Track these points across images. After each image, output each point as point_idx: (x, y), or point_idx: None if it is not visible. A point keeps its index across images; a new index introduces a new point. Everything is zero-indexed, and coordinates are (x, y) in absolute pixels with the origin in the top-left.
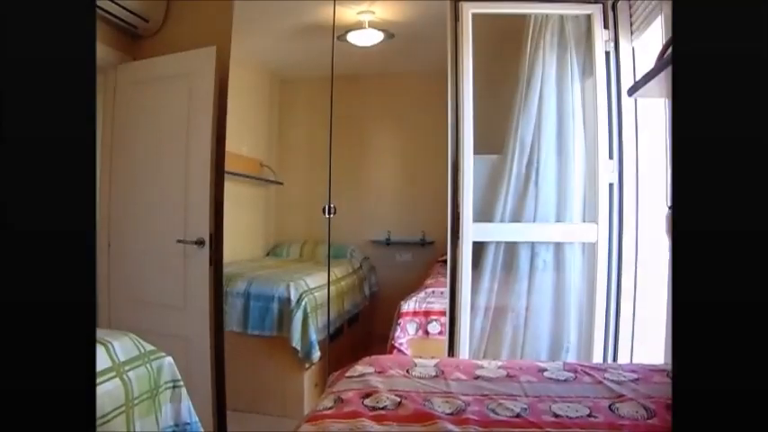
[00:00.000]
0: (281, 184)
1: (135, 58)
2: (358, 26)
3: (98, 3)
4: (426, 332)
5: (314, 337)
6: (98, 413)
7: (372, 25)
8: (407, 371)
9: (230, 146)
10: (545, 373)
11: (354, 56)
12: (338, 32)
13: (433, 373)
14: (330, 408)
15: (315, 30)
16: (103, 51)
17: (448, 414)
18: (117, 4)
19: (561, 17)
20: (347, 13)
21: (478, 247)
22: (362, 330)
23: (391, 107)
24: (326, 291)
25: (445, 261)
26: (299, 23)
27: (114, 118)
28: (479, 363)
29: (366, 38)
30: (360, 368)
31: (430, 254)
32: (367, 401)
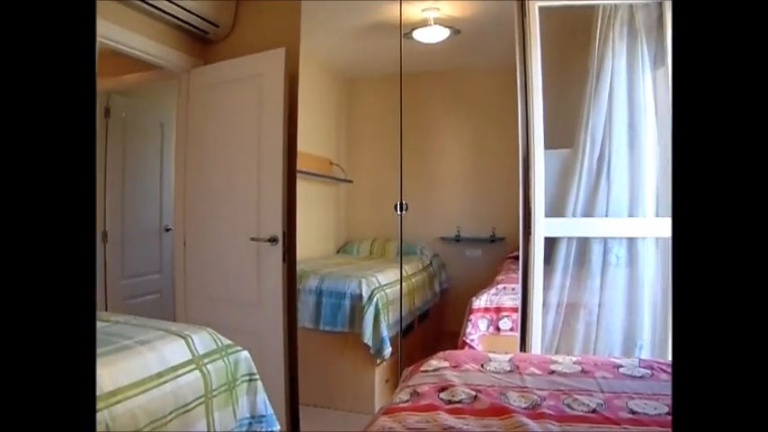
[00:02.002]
0: (351, 182)
1: (206, 62)
2: (423, 23)
3: (171, 11)
4: (497, 328)
5: (385, 333)
6: (180, 402)
7: (438, 22)
8: (482, 365)
9: (300, 145)
10: (620, 370)
11: (421, 53)
12: (404, 30)
13: (508, 368)
14: (406, 401)
15: (380, 28)
16: (177, 57)
17: (524, 408)
18: (188, 11)
19: (631, 6)
20: (412, 11)
21: (550, 243)
22: (433, 327)
23: (459, 103)
24: (397, 287)
25: (515, 257)
26: (364, 22)
27: (188, 121)
28: (554, 358)
29: (432, 35)
30: (434, 363)
31: (500, 250)
32: (443, 395)
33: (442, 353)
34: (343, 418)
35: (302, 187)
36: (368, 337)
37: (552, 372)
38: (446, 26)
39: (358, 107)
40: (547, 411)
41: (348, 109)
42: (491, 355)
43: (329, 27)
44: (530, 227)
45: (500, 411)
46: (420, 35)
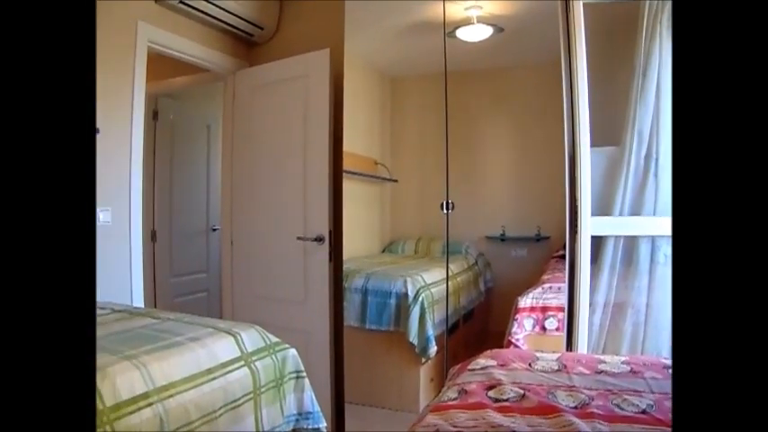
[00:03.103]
0: (396, 181)
1: (251, 64)
2: (466, 22)
3: (216, 15)
4: (543, 328)
5: (431, 332)
6: (229, 398)
7: (481, 20)
8: (529, 364)
9: (346, 145)
10: (671, 371)
11: (464, 51)
12: (447, 29)
13: (556, 367)
14: (454, 399)
15: (423, 27)
16: (222, 59)
17: (572, 407)
18: (234, 14)
19: None
20: (455, 10)
21: (597, 242)
22: (478, 326)
23: (503, 102)
24: (442, 286)
25: (561, 256)
26: (407, 22)
27: (234, 122)
28: (601, 357)
29: (475, 33)
30: (482, 361)
31: (545, 249)
32: (491, 393)
33: (489, 351)
34: (388, 416)
35: (348, 187)
36: (413, 336)
37: (600, 371)
38: (489, 24)
39: (402, 107)
40: (596, 411)
41: (392, 108)
42: (538, 354)
43: (372, 27)
44: (576, 226)
45: (548, 410)
46: (463, 34)
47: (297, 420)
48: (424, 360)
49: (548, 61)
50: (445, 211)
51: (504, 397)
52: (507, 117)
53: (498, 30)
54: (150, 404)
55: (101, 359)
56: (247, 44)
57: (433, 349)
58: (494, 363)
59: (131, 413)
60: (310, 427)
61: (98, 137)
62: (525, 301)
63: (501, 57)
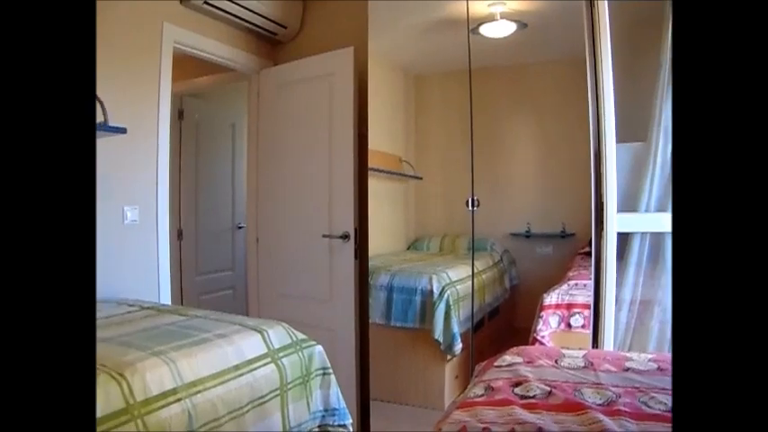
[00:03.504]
0: (420, 178)
1: (275, 63)
2: (490, 18)
3: (240, 15)
4: (569, 325)
5: (456, 329)
6: (256, 394)
7: (504, 16)
8: (556, 361)
9: (370, 142)
10: None
11: (487, 48)
12: (470, 25)
13: (582, 364)
14: (481, 395)
15: (447, 24)
16: (247, 59)
17: (599, 405)
18: (258, 14)
19: None
20: (479, 6)
21: (623, 239)
22: (503, 323)
23: (527, 98)
24: (467, 284)
25: (587, 253)
26: (431, 19)
27: (259, 120)
28: (628, 355)
29: (499, 29)
30: (508, 358)
31: (571, 246)
32: (517, 390)
33: (514, 348)
34: (413, 413)
35: (372, 184)
36: (438, 333)
37: (627, 369)
38: (512, 20)
39: (425, 104)
40: (623, 409)
41: (416, 106)
42: (564, 351)
43: (395, 25)
44: (602, 222)
45: (575, 407)
46: (486, 30)
47: (323, 417)
48: (449, 357)
49: (572, 57)
50: (470, 209)
51: (531, 394)
52: (531, 113)
53: (522, 26)
54: (179, 399)
55: (130, 355)
56: (271, 43)
57: (459, 346)
58: (520, 360)
59: (161, 408)
60: (336, 423)
61: (125, 137)
62: (551, 298)
63: (525, 53)
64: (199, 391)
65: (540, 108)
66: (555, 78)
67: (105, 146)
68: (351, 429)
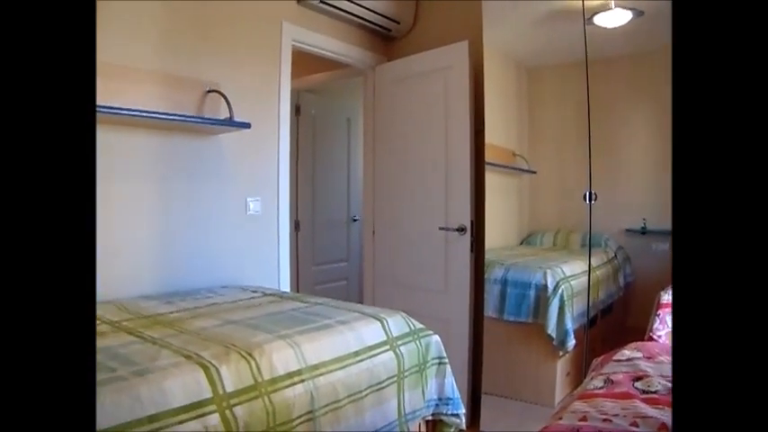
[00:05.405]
0: (534, 172)
1: (389, 58)
2: (604, 7)
3: (356, 12)
4: None
5: (569, 324)
6: (374, 380)
7: (619, 5)
8: None
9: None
10: None
11: (602, 38)
12: (585, 15)
13: None
14: (600, 387)
15: (560, 15)
16: (362, 54)
17: None
18: (372, 11)
19: None
20: None
21: None
22: (615, 321)
23: (644, 89)
24: (581, 279)
25: None
26: (543, 10)
27: (375, 115)
28: None
29: (614, 18)
30: (627, 353)
31: None
32: (638, 384)
33: (633, 344)
34: (523, 409)
35: (486, 178)
36: (552, 329)
37: None
38: (628, 8)
39: (538, 96)
40: None
41: (529, 98)
42: None
43: (508, 17)
44: None
45: None
46: (601, 20)
47: (437, 405)
48: (561, 353)
49: None
50: (588, 203)
51: (652, 389)
52: (648, 105)
53: (638, 13)
54: (302, 380)
55: (258, 337)
56: (385, 39)
57: (572, 342)
58: (639, 355)
59: (286, 387)
60: (449, 412)
61: (249, 131)
62: (668, 297)
63: (641, 42)
64: (321, 374)
65: (658, 98)
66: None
67: (230, 140)
68: (463, 419)
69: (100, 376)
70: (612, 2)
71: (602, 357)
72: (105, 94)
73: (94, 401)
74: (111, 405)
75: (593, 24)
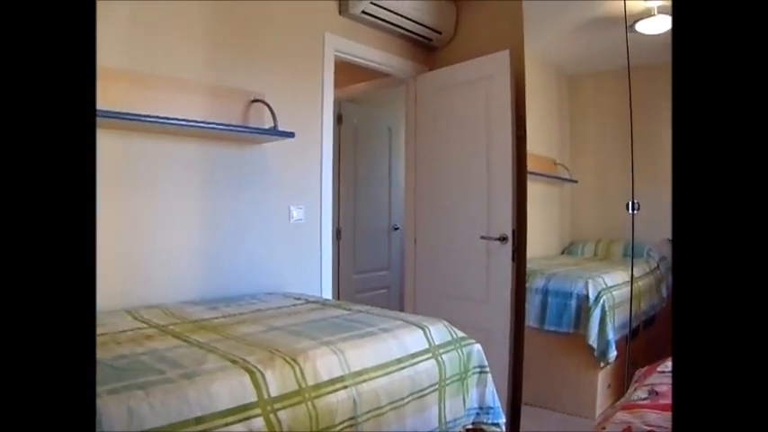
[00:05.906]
0: (575, 182)
1: (431, 68)
2: (646, 14)
3: (397, 22)
4: None
5: (611, 335)
6: (416, 387)
7: (662, 11)
8: None
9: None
10: None
11: (643, 45)
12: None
13: None
14: (645, 398)
15: (601, 23)
16: (403, 64)
17: None
18: (413, 21)
19: None
20: (635, 2)
21: None
22: (658, 332)
23: None
24: (624, 290)
25: None
26: (584, 17)
27: (416, 124)
28: None
29: (656, 25)
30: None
31: None
32: None
33: None
34: (563, 420)
35: (527, 187)
36: (593, 339)
37: None
38: (671, 15)
39: (579, 105)
40: None
41: (570, 107)
42: None
43: (548, 25)
44: None
45: None
46: (643, 27)
47: (477, 414)
48: (602, 365)
49: None
50: (631, 212)
51: None
52: None
53: None
54: (345, 387)
55: (302, 343)
56: (426, 49)
57: (613, 354)
58: None
59: (329, 393)
60: (490, 421)
61: (293, 141)
62: None
63: None
64: (364, 381)
65: None
66: None
67: (274, 149)
68: (503, 429)
69: (149, 378)
70: (655, 8)
71: (645, 368)
72: (156, 104)
73: (94, 401)
74: (160, 406)
75: (635, 31)
